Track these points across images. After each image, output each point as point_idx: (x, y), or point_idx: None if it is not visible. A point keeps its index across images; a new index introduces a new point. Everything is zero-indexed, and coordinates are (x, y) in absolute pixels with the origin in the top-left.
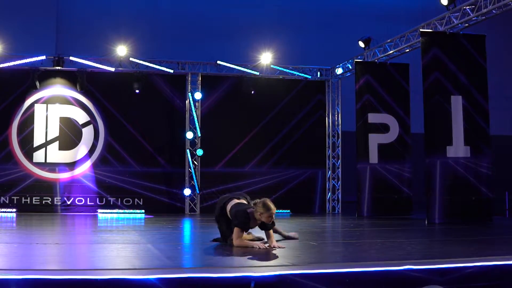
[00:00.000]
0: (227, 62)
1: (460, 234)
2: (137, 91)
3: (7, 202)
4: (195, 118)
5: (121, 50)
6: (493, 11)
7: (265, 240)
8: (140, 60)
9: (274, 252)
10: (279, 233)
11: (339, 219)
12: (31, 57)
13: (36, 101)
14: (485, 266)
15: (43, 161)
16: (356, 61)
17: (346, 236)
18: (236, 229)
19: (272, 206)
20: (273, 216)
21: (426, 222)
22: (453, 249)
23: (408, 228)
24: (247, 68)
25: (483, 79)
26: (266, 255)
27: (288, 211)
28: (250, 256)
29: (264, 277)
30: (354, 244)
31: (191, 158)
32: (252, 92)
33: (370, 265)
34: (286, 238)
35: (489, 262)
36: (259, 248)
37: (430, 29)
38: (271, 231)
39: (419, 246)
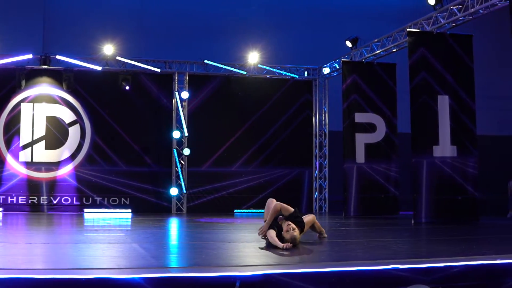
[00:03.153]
0: (214, 62)
1: (447, 233)
2: (127, 87)
3: None
4: (182, 118)
5: (108, 49)
6: (480, 11)
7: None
8: (127, 59)
9: (259, 251)
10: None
11: (325, 219)
12: (18, 55)
13: (23, 100)
14: (471, 265)
15: (30, 160)
16: (343, 61)
17: (332, 236)
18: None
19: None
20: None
21: (413, 222)
22: (439, 249)
23: (394, 228)
24: (235, 68)
25: (470, 79)
26: (252, 254)
27: None
28: (236, 256)
29: (249, 276)
30: (341, 243)
31: (178, 158)
32: (239, 93)
33: (356, 265)
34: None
35: (475, 261)
36: (283, 247)
37: (417, 29)
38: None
39: (406, 245)
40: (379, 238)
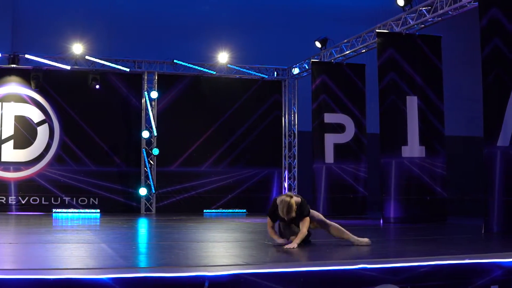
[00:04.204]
0: (183, 61)
1: (415, 233)
2: (97, 86)
3: None
4: (151, 117)
5: (77, 48)
6: (449, 12)
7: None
8: (96, 58)
9: (228, 251)
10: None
11: None
12: None
13: None
14: (438, 265)
15: None
16: (312, 61)
17: None
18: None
19: (280, 200)
20: (285, 211)
21: (381, 222)
22: (407, 249)
23: (363, 228)
24: (204, 68)
25: (438, 80)
26: (221, 254)
27: (244, 210)
28: (205, 256)
29: (218, 276)
30: (309, 243)
31: (147, 158)
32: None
33: (325, 264)
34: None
35: (442, 261)
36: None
37: (386, 29)
38: (302, 231)
39: (374, 245)
40: None
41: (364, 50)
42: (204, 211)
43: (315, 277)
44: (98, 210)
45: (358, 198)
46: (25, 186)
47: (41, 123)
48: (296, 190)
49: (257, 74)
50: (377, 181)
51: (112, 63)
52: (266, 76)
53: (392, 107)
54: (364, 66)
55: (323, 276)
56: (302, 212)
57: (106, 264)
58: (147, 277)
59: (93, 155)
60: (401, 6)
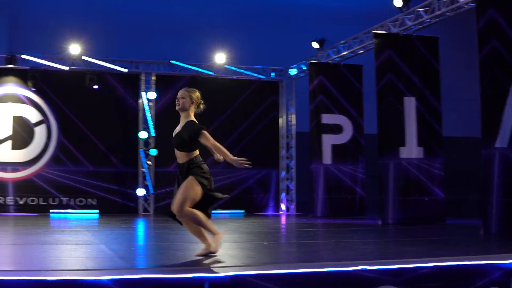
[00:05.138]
0: (181, 62)
1: (413, 234)
2: (95, 86)
3: None
4: (149, 118)
5: (75, 48)
6: (447, 13)
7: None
8: (93, 59)
9: (228, 252)
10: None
11: (293, 220)
12: None
13: None
14: (438, 266)
15: None
16: (310, 62)
17: (299, 237)
18: None
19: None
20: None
21: (380, 223)
22: (407, 250)
23: (361, 229)
24: (201, 68)
25: (436, 81)
26: (221, 255)
27: (243, 211)
28: (204, 257)
29: (218, 277)
30: (308, 244)
31: (145, 158)
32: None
33: (324, 266)
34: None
35: (442, 262)
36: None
37: (384, 30)
38: (216, 145)
39: (373, 246)
40: (346, 239)
41: (361, 51)
42: None
43: (314, 278)
44: (97, 211)
45: (356, 199)
46: (23, 187)
47: (38, 123)
48: (294, 191)
49: (254, 75)
50: (375, 182)
51: (109, 63)
52: (264, 77)
53: (389, 108)
54: (362, 67)
55: (322, 277)
56: (192, 125)
57: (105, 265)
58: (147, 279)
59: (91, 156)
60: (398, 7)
